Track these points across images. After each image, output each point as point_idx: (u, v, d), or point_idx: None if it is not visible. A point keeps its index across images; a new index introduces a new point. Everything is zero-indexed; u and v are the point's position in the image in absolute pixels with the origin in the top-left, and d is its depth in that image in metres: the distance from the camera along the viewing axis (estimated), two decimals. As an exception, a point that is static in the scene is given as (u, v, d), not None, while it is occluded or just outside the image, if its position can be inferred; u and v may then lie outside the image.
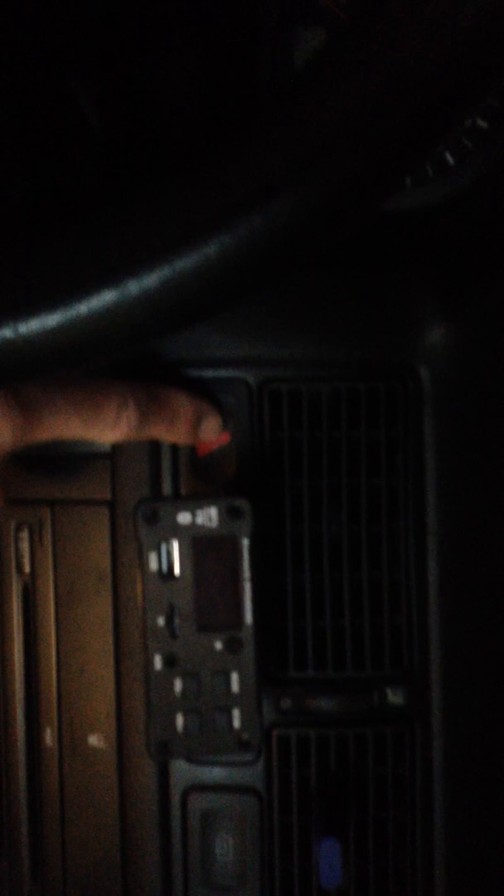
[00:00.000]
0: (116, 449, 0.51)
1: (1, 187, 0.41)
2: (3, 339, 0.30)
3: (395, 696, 0.50)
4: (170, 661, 0.44)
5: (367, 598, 0.50)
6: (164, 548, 0.44)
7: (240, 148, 0.29)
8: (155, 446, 0.50)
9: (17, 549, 0.53)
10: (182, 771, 0.51)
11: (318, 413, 0.49)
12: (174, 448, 0.50)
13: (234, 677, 0.45)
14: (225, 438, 0.50)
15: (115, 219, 0.31)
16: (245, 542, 0.44)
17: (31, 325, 0.30)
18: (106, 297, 0.30)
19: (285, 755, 0.50)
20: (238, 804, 0.50)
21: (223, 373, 0.49)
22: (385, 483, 0.50)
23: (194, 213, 0.30)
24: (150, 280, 0.30)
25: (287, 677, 0.50)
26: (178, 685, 0.45)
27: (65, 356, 0.31)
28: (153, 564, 0.44)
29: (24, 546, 0.53)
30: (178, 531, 0.44)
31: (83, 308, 0.30)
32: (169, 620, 0.44)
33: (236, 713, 0.45)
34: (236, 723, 0.45)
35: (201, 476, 0.50)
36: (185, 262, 0.30)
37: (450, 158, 0.50)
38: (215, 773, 0.51)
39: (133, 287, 0.30)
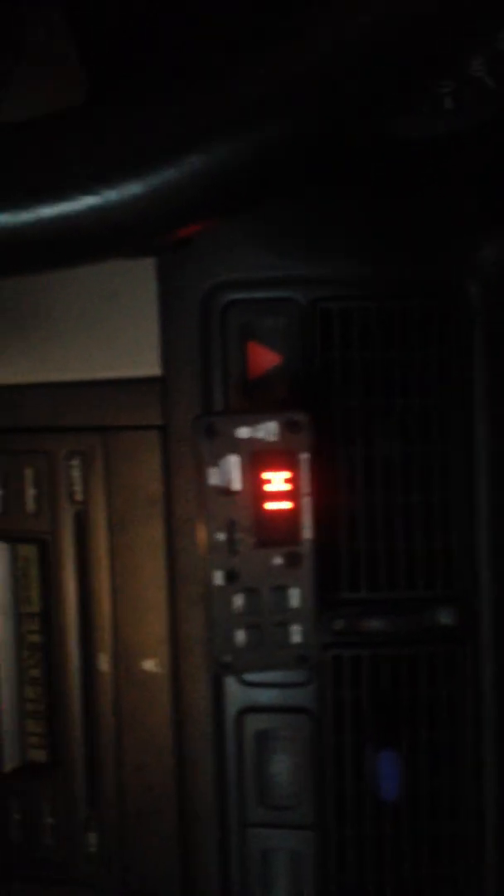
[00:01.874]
0: (167, 373, 0.51)
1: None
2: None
3: (446, 617, 0.51)
4: (230, 577, 0.45)
5: (418, 518, 0.50)
6: (223, 462, 0.44)
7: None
8: (206, 369, 0.50)
9: (69, 478, 0.53)
10: (236, 693, 0.51)
11: (368, 333, 0.49)
12: (225, 370, 0.50)
13: (294, 592, 0.45)
14: (276, 360, 0.50)
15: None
16: (304, 456, 0.44)
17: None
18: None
19: (338, 676, 0.50)
20: (292, 724, 0.51)
21: (273, 293, 0.49)
22: (435, 403, 0.50)
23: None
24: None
25: (340, 598, 0.50)
26: (238, 600, 0.45)
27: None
28: (213, 479, 0.44)
29: (76, 474, 0.53)
30: (237, 445, 0.44)
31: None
32: (229, 536, 0.45)
33: (295, 628, 0.45)
34: (295, 638, 0.45)
35: (252, 398, 0.50)
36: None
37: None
38: (269, 695, 0.51)
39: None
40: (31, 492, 0.53)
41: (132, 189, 0.31)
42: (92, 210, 0.32)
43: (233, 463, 0.44)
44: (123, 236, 0.33)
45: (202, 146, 0.31)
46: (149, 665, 0.52)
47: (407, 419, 0.50)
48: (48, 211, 0.32)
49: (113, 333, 0.52)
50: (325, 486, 0.48)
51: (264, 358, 0.49)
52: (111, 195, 0.32)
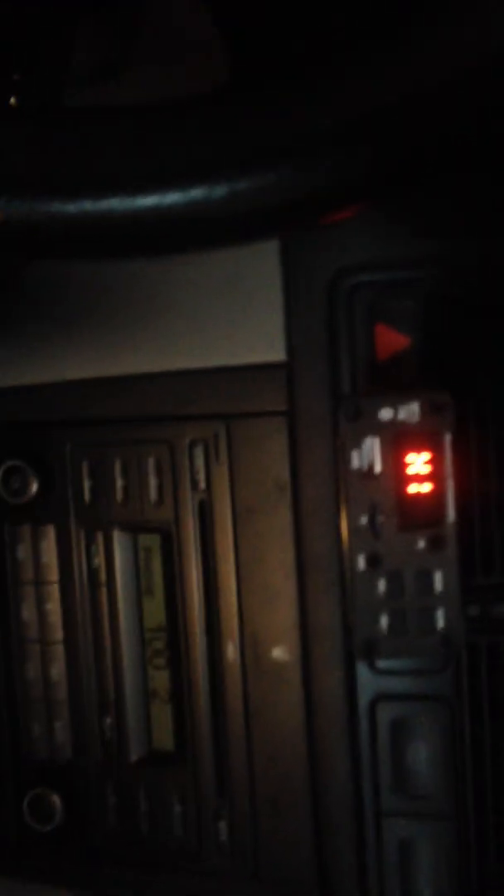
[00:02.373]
0: (293, 358, 0.50)
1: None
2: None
3: None
4: (373, 561, 0.44)
5: None
6: (365, 445, 0.44)
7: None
8: (333, 352, 0.49)
9: (193, 466, 0.53)
10: (369, 680, 0.50)
11: (495, 315, 0.48)
12: (353, 353, 0.49)
13: (438, 576, 0.44)
14: (404, 342, 0.49)
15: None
16: (448, 438, 0.43)
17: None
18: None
19: (475, 663, 0.49)
20: (428, 713, 0.50)
21: (399, 274, 0.49)
22: None
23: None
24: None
25: (474, 584, 0.49)
26: (381, 585, 0.44)
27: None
28: (355, 462, 0.44)
29: (200, 463, 0.53)
30: (379, 427, 0.43)
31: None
32: (371, 519, 0.44)
33: (440, 613, 0.44)
34: (440, 622, 0.44)
35: (381, 382, 0.49)
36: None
37: None
38: (403, 682, 0.50)
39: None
40: (153, 481, 0.53)
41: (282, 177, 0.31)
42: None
43: (375, 445, 0.44)
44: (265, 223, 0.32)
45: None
46: (278, 653, 0.52)
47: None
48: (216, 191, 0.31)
49: (237, 320, 0.51)
50: (467, 467, 0.47)
51: (393, 340, 0.49)
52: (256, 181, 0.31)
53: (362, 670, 0.50)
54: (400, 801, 0.51)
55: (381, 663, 0.50)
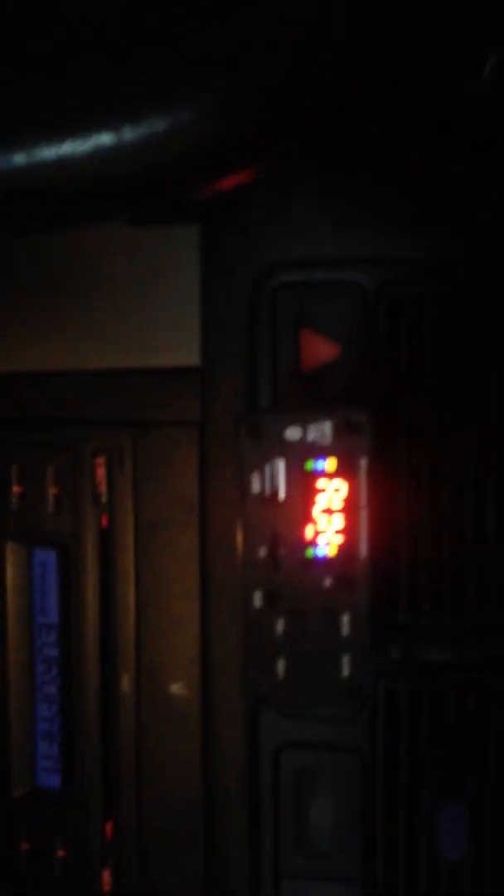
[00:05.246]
0: (208, 363, 0.45)
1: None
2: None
3: None
4: (272, 598, 0.39)
5: (492, 532, 0.44)
6: (268, 468, 0.38)
7: None
8: (253, 359, 0.44)
9: (94, 477, 0.48)
10: (274, 725, 0.45)
11: (442, 322, 0.43)
12: (275, 361, 0.44)
13: (345, 618, 0.39)
14: (333, 350, 0.44)
15: None
16: (363, 462, 0.38)
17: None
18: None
19: (393, 709, 0.44)
20: (338, 763, 0.45)
21: (333, 275, 0.43)
22: None
23: None
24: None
25: (397, 622, 0.44)
26: (280, 625, 0.39)
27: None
28: (256, 486, 0.38)
29: (102, 473, 0.48)
30: (284, 448, 0.38)
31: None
32: (272, 551, 0.39)
33: (346, 659, 0.39)
34: (346, 670, 0.39)
35: (306, 393, 0.44)
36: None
37: None
38: (312, 729, 0.45)
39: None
40: (52, 490, 0.48)
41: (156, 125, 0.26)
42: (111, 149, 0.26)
43: (279, 468, 0.39)
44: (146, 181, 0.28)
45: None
46: (176, 688, 0.47)
47: (485, 423, 0.43)
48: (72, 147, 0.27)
49: (149, 318, 0.46)
50: (384, 494, 0.42)
51: (320, 348, 0.43)
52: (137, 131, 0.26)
53: (268, 713, 0.45)
54: (303, 861, 0.46)
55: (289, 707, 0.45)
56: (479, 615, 0.43)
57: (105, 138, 0.27)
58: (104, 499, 0.47)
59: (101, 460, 0.47)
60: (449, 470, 0.43)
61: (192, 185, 0.28)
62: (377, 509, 0.39)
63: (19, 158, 0.27)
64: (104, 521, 0.47)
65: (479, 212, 0.43)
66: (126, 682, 0.47)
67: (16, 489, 0.49)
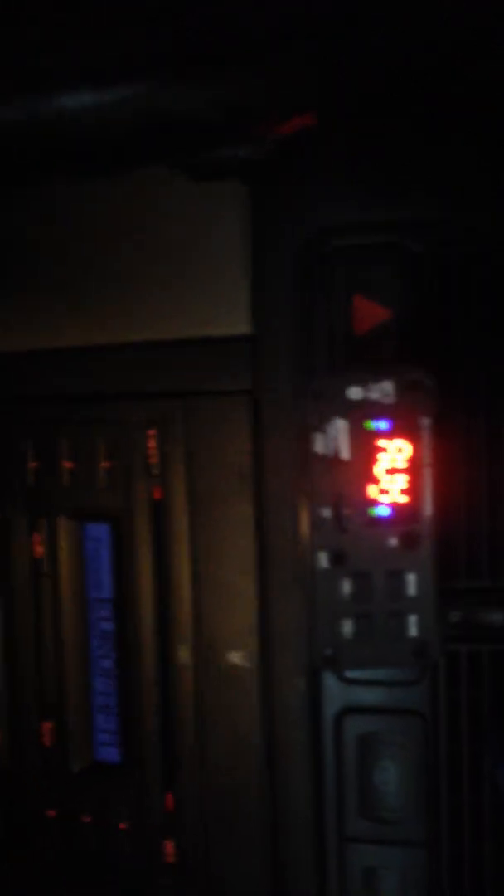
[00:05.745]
0: (259, 331, 0.45)
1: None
2: None
3: None
4: (338, 559, 0.39)
5: None
6: (330, 427, 0.38)
7: None
8: (305, 326, 0.44)
9: (145, 450, 0.48)
10: (336, 691, 0.45)
11: (496, 285, 0.43)
12: (327, 327, 0.44)
13: (411, 578, 0.39)
14: (385, 314, 0.44)
15: None
16: (426, 421, 0.38)
17: None
18: None
19: (454, 673, 0.44)
20: (400, 728, 0.45)
21: (382, 238, 0.43)
22: None
23: None
24: None
25: (457, 587, 0.44)
26: (346, 586, 0.39)
27: None
28: (319, 447, 0.38)
29: (154, 445, 0.48)
30: (347, 408, 0.38)
31: None
32: (336, 512, 0.39)
33: (413, 619, 0.39)
34: (413, 630, 0.39)
35: (358, 358, 0.44)
36: None
37: None
38: (373, 694, 0.45)
39: None
40: (103, 465, 0.48)
41: None
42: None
43: (342, 428, 0.39)
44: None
45: None
46: (235, 658, 0.47)
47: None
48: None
49: (197, 287, 0.46)
50: (444, 459, 0.42)
51: (372, 312, 0.43)
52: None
53: (328, 680, 0.45)
54: (367, 825, 0.46)
55: (352, 672, 0.45)
56: None
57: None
58: (156, 471, 0.47)
59: (152, 432, 0.47)
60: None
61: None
62: (439, 470, 0.39)
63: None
64: (157, 494, 0.48)
65: None
66: (183, 654, 0.48)
67: (67, 465, 0.49)
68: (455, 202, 0.43)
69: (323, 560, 0.39)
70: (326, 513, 0.39)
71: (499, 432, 0.43)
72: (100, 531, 0.49)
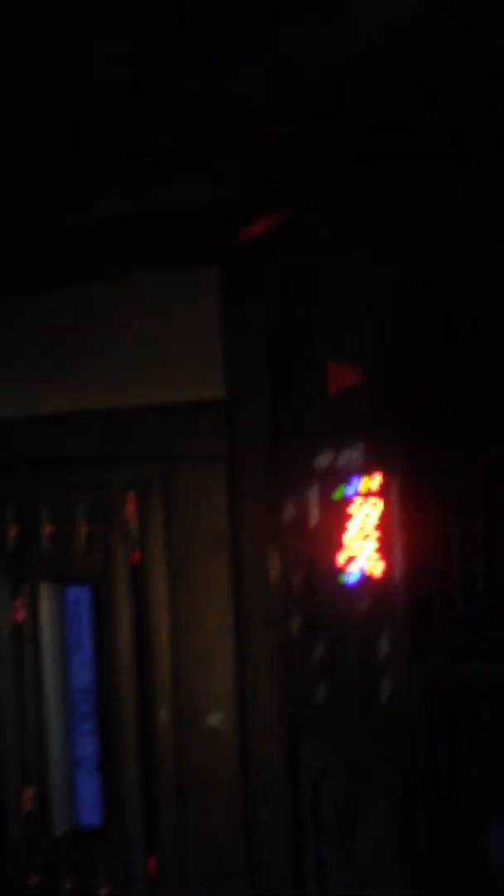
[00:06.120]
0: (233, 394, 0.46)
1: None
2: None
3: None
4: (309, 625, 0.40)
5: None
6: (300, 496, 0.39)
7: None
8: (279, 388, 0.45)
9: (123, 514, 0.48)
10: (314, 751, 0.46)
11: (467, 350, 0.44)
12: (302, 389, 0.45)
13: (383, 641, 0.40)
14: (358, 378, 0.45)
15: None
16: (396, 483, 0.39)
17: None
18: None
19: (433, 724, 0.45)
20: (380, 783, 0.45)
21: (357, 304, 0.44)
22: None
23: None
24: None
25: (435, 639, 0.44)
26: (318, 651, 0.40)
27: None
28: (289, 512, 0.39)
29: (132, 509, 0.48)
30: (317, 475, 0.39)
31: None
32: (307, 577, 0.40)
33: (386, 680, 0.40)
34: (386, 691, 0.40)
35: (333, 420, 0.45)
36: None
37: None
38: (353, 754, 0.45)
39: None
40: (82, 529, 0.49)
41: None
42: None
43: (311, 495, 0.40)
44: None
45: None
46: (214, 720, 0.47)
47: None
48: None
49: (173, 351, 0.47)
50: (421, 515, 0.43)
51: (346, 375, 0.44)
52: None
53: (307, 740, 0.46)
54: (348, 884, 0.45)
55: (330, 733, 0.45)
56: None
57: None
58: (134, 535, 0.48)
59: (130, 497, 0.48)
60: (478, 490, 0.43)
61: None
62: (411, 529, 0.40)
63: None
64: (135, 557, 0.48)
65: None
66: (164, 716, 0.48)
67: (47, 529, 0.49)
68: (428, 271, 0.44)
69: (294, 626, 0.39)
70: (297, 579, 0.39)
71: (473, 483, 0.44)
72: (80, 594, 0.50)
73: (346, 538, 0.39)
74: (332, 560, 0.39)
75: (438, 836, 0.44)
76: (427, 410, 0.43)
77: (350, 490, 0.39)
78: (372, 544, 0.39)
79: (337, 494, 0.39)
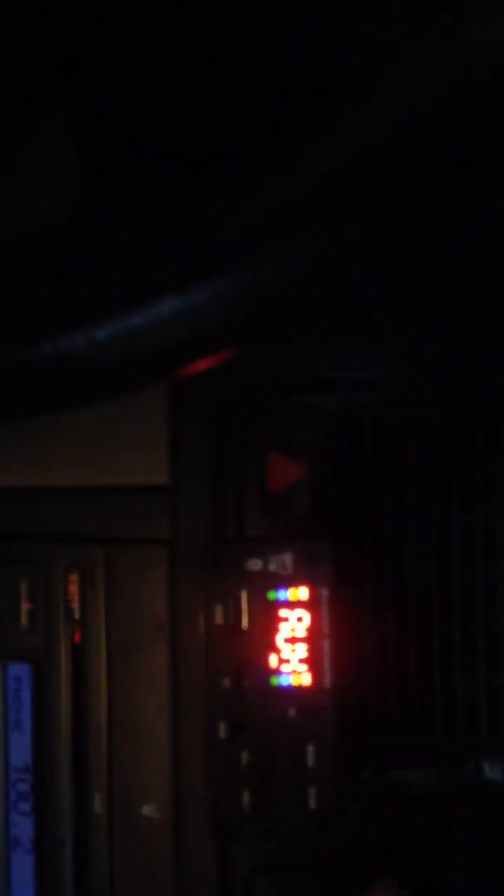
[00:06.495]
0: (176, 482, 0.45)
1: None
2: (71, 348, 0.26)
3: (492, 771, 0.44)
4: (236, 729, 0.39)
5: (459, 655, 0.43)
6: (231, 598, 0.39)
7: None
8: (219, 479, 0.44)
9: (66, 594, 0.48)
10: (247, 849, 0.45)
11: (405, 443, 0.44)
12: (241, 481, 0.44)
13: (311, 749, 0.39)
14: (299, 472, 0.44)
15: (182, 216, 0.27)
16: (325, 593, 0.38)
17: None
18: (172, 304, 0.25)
19: (364, 833, 0.44)
20: (311, 887, 0.44)
21: (297, 398, 0.44)
22: (481, 523, 0.44)
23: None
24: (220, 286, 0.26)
25: (366, 744, 0.44)
26: (245, 756, 0.39)
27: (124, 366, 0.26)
28: (219, 617, 0.39)
29: (75, 590, 0.48)
30: (246, 579, 0.38)
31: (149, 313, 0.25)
32: (236, 681, 0.39)
33: (312, 791, 0.39)
34: (312, 802, 0.39)
35: (271, 514, 0.44)
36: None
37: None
38: (285, 853, 0.44)
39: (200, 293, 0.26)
40: (25, 606, 0.48)
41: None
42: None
43: (241, 598, 0.39)
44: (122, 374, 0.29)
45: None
46: (148, 810, 0.46)
47: (447, 541, 0.43)
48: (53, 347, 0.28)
49: (118, 436, 0.47)
50: (350, 616, 0.42)
51: (286, 470, 0.44)
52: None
53: (237, 839, 0.45)
54: None
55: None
56: (447, 739, 0.43)
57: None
58: (77, 615, 0.48)
59: (73, 577, 0.48)
60: (413, 592, 0.43)
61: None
62: (341, 636, 0.39)
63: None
64: (77, 638, 0.48)
65: (436, 335, 0.43)
66: (98, 802, 0.47)
67: None
68: (369, 362, 0.44)
69: (222, 730, 0.39)
70: (226, 682, 0.39)
71: (406, 588, 0.43)
72: (21, 672, 0.49)
73: (277, 643, 0.39)
74: (261, 665, 0.39)
75: None
76: (361, 513, 0.42)
77: (281, 595, 0.38)
78: (302, 651, 0.38)
79: (269, 598, 0.39)
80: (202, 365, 0.31)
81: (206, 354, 0.30)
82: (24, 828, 0.49)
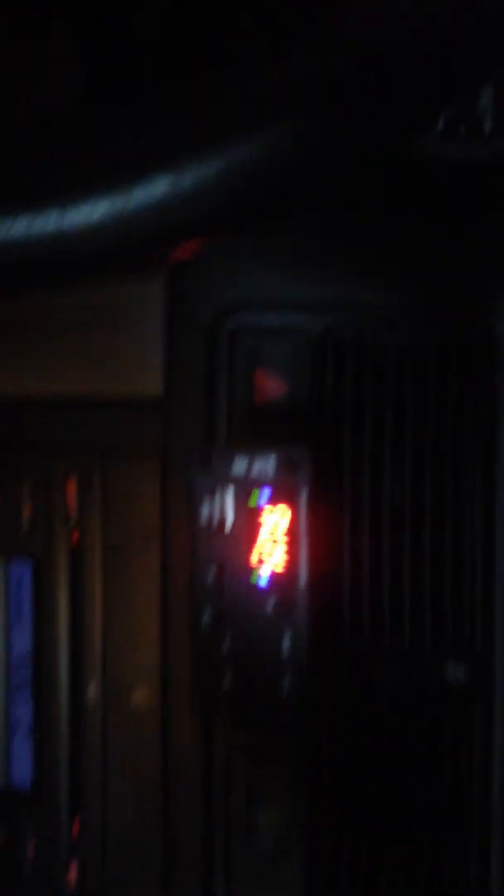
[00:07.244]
0: (168, 395, 0.48)
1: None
2: (50, 229, 0.28)
3: (455, 672, 0.48)
4: (219, 618, 0.42)
5: (428, 565, 0.47)
6: (216, 499, 0.42)
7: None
8: (210, 393, 0.47)
9: (65, 499, 0.51)
10: (227, 732, 0.49)
11: (383, 366, 0.46)
12: (230, 396, 0.47)
13: (286, 639, 0.42)
14: (283, 388, 0.47)
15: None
16: (302, 496, 0.41)
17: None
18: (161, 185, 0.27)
19: (333, 727, 0.47)
20: (284, 774, 0.48)
21: (282, 319, 0.46)
22: (452, 446, 0.46)
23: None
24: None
25: (341, 646, 0.47)
26: (226, 643, 0.42)
27: (112, 248, 0.28)
28: (205, 516, 0.42)
29: (73, 495, 0.51)
30: (232, 481, 0.41)
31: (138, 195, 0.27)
32: (219, 577, 0.42)
33: (287, 677, 0.42)
34: (286, 687, 0.42)
35: (257, 427, 0.47)
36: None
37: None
38: (262, 737, 0.48)
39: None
40: (26, 510, 0.51)
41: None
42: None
43: (226, 499, 0.42)
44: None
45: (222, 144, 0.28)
46: (138, 697, 0.50)
47: (421, 461, 0.46)
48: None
49: (116, 349, 0.49)
50: (328, 526, 0.45)
51: (271, 386, 0.47)
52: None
53: (217, 722, 0.49)
54: (250, 859, 0.49)
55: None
56: (415, 642, 0.46)
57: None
58: (74, 519, 0.51)
59: (72, 483, 0.51)
60: (388, 505, 0.46)
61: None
62: (317, 540, 0.42)
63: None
64: (74, 540, 0.51)
65: (421, 264, 0.46)
66: (92, 689, 0.51)
67: None
68: (353, 287, 0.46)
69: (205, 618, 0.42)
70: (210, 577, 0.42)
71: (380, 501, 0.46)
72: (23, 567, 0.53)
73: (257, 543, 0.42)
74: (242, 562, 0.42)
75: (337, 830, 0.48)
76: (340, 428, 0.45)
77: (263, 497, 0.41)
78: (280, 550, 0.42)
79: (251, 500, 0.42)
80: (185, 252, 0.32)
81: (193, 236, 0.31)
82: (24, 711, 0.53)
